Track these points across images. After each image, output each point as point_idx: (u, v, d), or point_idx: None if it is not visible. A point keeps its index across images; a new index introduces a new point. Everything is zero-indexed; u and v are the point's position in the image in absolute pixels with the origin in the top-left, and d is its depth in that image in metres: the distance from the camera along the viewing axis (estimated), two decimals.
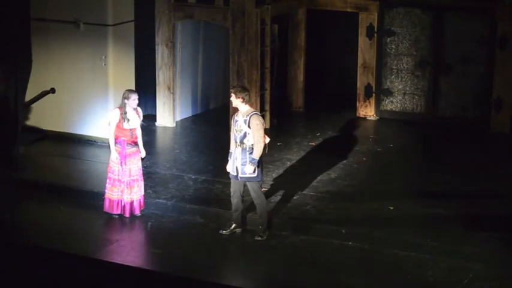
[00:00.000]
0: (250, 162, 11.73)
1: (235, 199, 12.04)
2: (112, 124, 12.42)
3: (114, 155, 12.43)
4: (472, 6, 16.14)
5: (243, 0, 15.50)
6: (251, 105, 12.54)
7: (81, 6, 15.07)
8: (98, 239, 12.12)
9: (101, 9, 15.00)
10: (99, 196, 12.88)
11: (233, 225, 12.10)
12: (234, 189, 12.01)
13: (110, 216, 12.57)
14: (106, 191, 12.56)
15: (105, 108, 15.15)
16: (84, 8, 15.06)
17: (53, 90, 15.40)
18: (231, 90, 11.95)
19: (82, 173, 14.20)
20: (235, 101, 11.83)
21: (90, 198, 13.12)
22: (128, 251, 11.78)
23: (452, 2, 16.34)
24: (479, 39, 16.22)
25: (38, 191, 13.44)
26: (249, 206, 12.29)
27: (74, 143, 15.33)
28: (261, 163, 11.84)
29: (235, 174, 11.90)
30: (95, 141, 15.32)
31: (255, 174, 11.81)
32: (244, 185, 11.97)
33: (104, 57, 15.13)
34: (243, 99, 11.79)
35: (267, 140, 11.90)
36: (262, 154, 11.81)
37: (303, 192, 13.32)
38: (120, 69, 15.31)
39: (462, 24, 16.32)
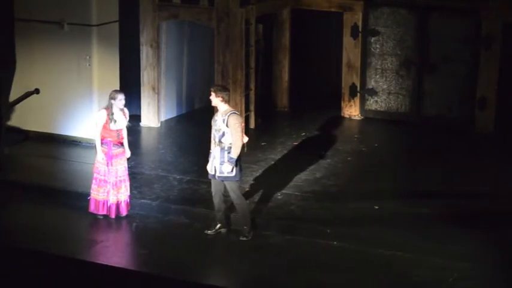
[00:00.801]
0: (228, 161, 11.76)
1: (216, 199, 12.06)
2: (99, 125, 12.42)
3: (100, 156, 12.42)
4: (457, 6, 16.20)
5: (227, 0, 15.52)
6: (232, 105, 12.51)
7: (65, 7, 15.03)
8: (82, 240, 12.10)
9: (85, 9, 14.98)
10: (84, 197, 12.87)
11: (218, 225, 12.12)
12: (215, 189, 12.04)
13: (94, 216, 12.56)
14: (91, 191, 12.55)
15: (89, 109, 15.13)
16: (68, 8, 15.03)
17: (37, 91, 15.37)
18: (211, 89, 11.98)
19: (67, 173, 14.18)
20: (215, 100, 11.88)
21: (75, 199, 13.11)
22: (113, 251, 11.78)
23: (437, 2, 16.39)
24: (463, 39, 16.28)
25: (23, 192, 13.40)
26: (232, 205, 12.29)
27: (58, 144, 15.31)
28: (239, 163, 11.87)
29: (213, 173, 11.93)
30: (79, 142, 15.30)
31: (233, 174, 11.84)
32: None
33: (88, 57, 15.11)
34: (223, 98, 11.83)
35: (246, 139, 11.93)
36: (240, 154, 11.84)
37: (288, 192, 13.34)
38: (104, 69, 15.29)
39: (447, 24, 16.38)
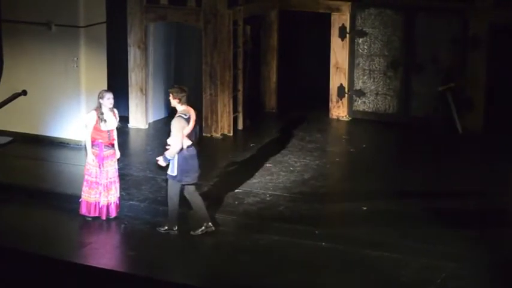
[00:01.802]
0: (163, 157, 11.95)
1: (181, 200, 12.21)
2: (89, 126, 12.39)
3: (90, 158, 12.40)
4: (444, 7, 16.25)
5: (215, 1, 15.52)
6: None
7: (53, 8, 15.01)
8: (71, 242, 12.09)
9: (72, 10, 14.96)
10: (73, 198, 12.85)
11: (203, 226, 12.11)
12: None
13: (83, 218, 12.53)
14: (83, 193, 12.52)
15: (77, 110, 15.12)
16: (55, 9, 15.00)
17: (24, 93, 15.34)
18: (169, 90, 12.13)
19: (55, 175, 14.15)
20: (173, 102, 12.03)
21: (64, 201, 13.08)
22: (102, 253, 11.76)
23: (423, 3, 16.44)
24: (450, 39, 16.33)
25: (11, 194, 13.37)
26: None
27: (46, 145, 15.27)
28: (185, 165, 11.91)
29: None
30: (67, 144, 15.28)
31: (174, 174, 11.95)
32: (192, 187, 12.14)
33: (76, 59, 15.09)
34: (180, 100, 11.94)
35: (187, 143, 11.90)
36: (185, 155, 11.88)
37: (276, 193, 13.35)
38: (92, 70, 15.27)
39: (433, 25, 16.41)
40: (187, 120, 11.93)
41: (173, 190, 12.10)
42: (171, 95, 12.04)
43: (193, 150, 12.01)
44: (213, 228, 12.14)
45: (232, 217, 12.59)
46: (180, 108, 12.00)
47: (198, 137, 12.28)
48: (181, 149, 11.93)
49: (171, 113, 17.03)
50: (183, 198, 12.15)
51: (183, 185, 12.08)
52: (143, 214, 12.75)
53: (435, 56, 16.43)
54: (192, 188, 12.16)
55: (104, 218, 12.46)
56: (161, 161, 12.07)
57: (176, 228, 12.13)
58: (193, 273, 11.29)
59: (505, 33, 15.66)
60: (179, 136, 11.87)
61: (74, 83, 15.15)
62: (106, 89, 13.39)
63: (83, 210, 12.52)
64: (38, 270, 11.12)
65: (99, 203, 12.45)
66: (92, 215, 12.47)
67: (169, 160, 11.98)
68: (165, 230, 12.15)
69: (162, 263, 11.46)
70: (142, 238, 12.15)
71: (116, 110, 12.55)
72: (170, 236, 12.10)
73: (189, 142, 11.96)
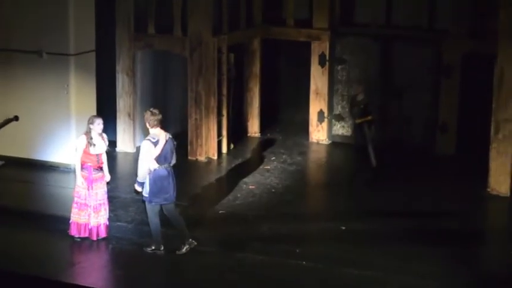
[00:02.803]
0: (136, 183, 11.99)
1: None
2: (79, 150, 12.33)
3: (79, 180, 12.33)
4: (419, 37, 16.34)
5: (200, 30, 15.54)
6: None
7: (44, 37, 14.99)
8: (61, 261, 11.99)
9: (63, 39, 14.94)
10: (63, 220, 12.75)
11: (186, 244, 12.04)
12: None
13: (72, 239, 12.44)
14: (72, 215, 12.42)
15: (67, 135, 15.06)
16: (47, 38, 14.98)
17: (16, 118, 15.27)
18: (144, 113, 12.13)
19: (46, 197, 14.07)
20: (146, 124, 12.01)
21: (54, 222, 12.98)
22: (90, 272, 11.67)
23: (400, 32, 16.52)
24: (425, 67, 16.41)
25: (2, 216, 13.25)
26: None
27: (37, 169, 15.19)
28: (150, 184, 11.85)
29: None
30: (57, 167, 15.20)
31: (146, 195, 11.92)
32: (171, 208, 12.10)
33: (66, 85, 15.05)
34: (149, 123, 11.91)
35: (154, 165, 11.80)
36: (154, 177, 11.81)
37: (259, 213, 13.31)
38: (82, 97, 15.24)
39: (409, 54, 16.51)
40: (155, 143, 11.82)
41: (150, 211, 12.02)
42: (144, 117, 12.02)
43: (163, 172, 11.86)
44: (195, 243, 12.05)
45: (217, 237, 12.53)
46: (151, 131, 11.92)
47: (172, 159, 12.02)
48: (150, 171, 11.84)
49: None
50: (164, 218, 12.06)
51: (161, 205, 11.99)
52: (130, 235, 12.68)
53: (410, 83, 16.49)
54: (170, 207, 12.05)
55: (94, 238, 12.37)
56: (136, 186, 12.01)
57: (162, 248, 12.05)
58: None
59: (475, 61, 15.74)
60: (143, 159, 11.81)
61: (64, 109, 15.10)
62: (95, 114, 13.33)
63: (73, 231, 12.42)
64: None
65: (88, 224, 12.37)
66: (82, 235, 12.39)
67: (141, 184, 11.90)
68: (152, 250, 12.07)
69: (149, 282, 11.38)
70: (130, 258, 12.07)
71: (104, 135, 12.50)
72: (157, 256, 12.02)
73: (156, 165, 11.82)
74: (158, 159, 11.82)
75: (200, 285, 11.37)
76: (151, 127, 11.90)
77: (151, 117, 11.88)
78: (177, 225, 12.12)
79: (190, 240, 12.04)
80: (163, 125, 12.14)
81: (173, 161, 12.02)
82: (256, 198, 14.01)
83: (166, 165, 11.88)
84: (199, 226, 12.85)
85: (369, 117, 14.97)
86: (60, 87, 15.05)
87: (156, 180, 11.85)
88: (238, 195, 14.14)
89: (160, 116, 11.89)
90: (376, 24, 16.68)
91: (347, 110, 16.98)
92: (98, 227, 12.40)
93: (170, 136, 12.01)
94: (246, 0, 16.91)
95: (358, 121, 14.85)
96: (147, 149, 11.81)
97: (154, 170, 11.83)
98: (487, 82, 14.41)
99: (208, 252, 12.11)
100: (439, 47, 16.03)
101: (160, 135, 11.87)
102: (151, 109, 12.10)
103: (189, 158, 15.73)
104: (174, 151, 12.03)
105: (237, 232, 12.66)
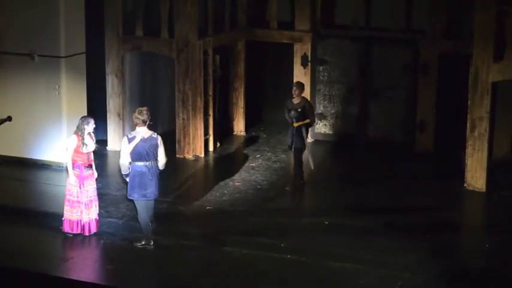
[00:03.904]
0: None
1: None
2: (70, 149, 12.31)
3: (72, 179, 12.30)
4: (397, 37, 16.39)
5: (186, 33, 15.53)
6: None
7: (36, 40, 14.95)
8: (53, 257, 11.96)
9: (54, 42, 14.91)
10: (55, 217, 12.73)
11: (144, 241, 12.08)
12: None
13: (64, 235, 12.42)
14: (65, 212, 12.40)
15: (59, 134, 15.03)
16: (38, 41, 14.94)
17: (9, 118, 15.23)
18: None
19: (38, 195, 14.04)
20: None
21: (46, 219, 12.95)
22: (82, 267, 11.66)
23: (379, 33, 16.57)
24: (403, 67, 16.47)
25: None
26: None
27: (29, 167, 15.15)
28: (130, 179, 11.93)
29: None
30: (49, 165, 15.16)
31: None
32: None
33: (57, 86, 15.02)
34: (134, 121, 12.01)
35: (128, 160, 11.88)
36: (133, 172, 11.90)
37: (245, 209, 13.33)
38: (72, 97, 15.21)
39: (388, 54, 16.56)
40: (130, 139, 11.86)
41: (139, 207, 12.02)
42: None
43: (141, 168, 11.82)
44: (152, 246, 12.00)
45: (204, 232, 12.55)
46: (136, 128, 11.97)
47: (158, 158, 11.96)
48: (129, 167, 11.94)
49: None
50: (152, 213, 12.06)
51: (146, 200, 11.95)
52: (121, 230, 12.67)
53: (390, 82, 16.55)
54: (150, 203, 11.97)
55: (87, 234, 12.35)
56: (125, 177, 12.17)
57: (152, 243, 12.05)
58: (169, 286, 11.21)
59: (452, 61, 15.80)
60: (121, 153, 11.98)
61: (56, 109, 15.07)
62: (87, 115, 13.23)
63: (66, 228, 12.40)
64: (22, 285, 11.01)
65: (81, 220, 12.35)
66: (75, 231, 12.36)
67: (126, 175, 12.01)
68: (142, 245, 12.07)
69: (139, 276, 11.37)
70: (121, 253, 12.05)
71: (92, 134, 12.49)
72: (147, 251, 12.01)
73: (129, 159, 11.85)
74: (132, 155, 11.83)
75: (186, 278, 11.38)
76: (135, 125, 11.97)
77: (135, 116, 11.94)
78: (140, 220, 12.05)
79: (150, 242, 12.01)
80: (152, 124, 12.13)
81: (160, 160, 11.95)
82: (242, 194, 14.03)
83: (146, 162, 11.81)
84: (187, 221, 12.87)
85: (307, 121, 14.36)
86: (51, 88, 15.02)
87: (134, 175, 11.86)
88: (225, 191, 14.15)
89: (144, 117, 11.85)
90: (356, 26, 16.72)
91: (328, 109, 17.03)
92: (89, 223, 12.39)
93: (155, 136, 11.94)
94: (231, 3, 16.92)
95: (295, 124, 14.34)
96: (122, 144, 11.99)
97: (131, 164, 11.85)
98: (464, 81, 14.46)
99: (196, 246, 12.12)
100: (416, 47, 16.08)
101: (140, 134, 11.85)
102: (139, 108, 12.11)
103: (177, 156, 15.73)
104: (160, 151, 11.94)
105: (224, 227, 12.68)
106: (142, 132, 11.88)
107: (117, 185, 14.36)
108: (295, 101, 14.30)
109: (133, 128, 16.33)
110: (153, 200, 12.02)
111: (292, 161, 14.70)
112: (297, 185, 14.29)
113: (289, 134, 14.35)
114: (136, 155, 11.83)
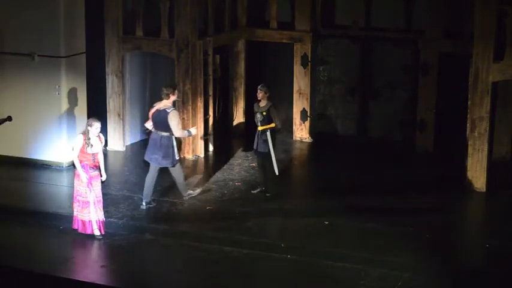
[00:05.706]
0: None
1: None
2: (76, 149, 12.29)
3: (84, 176, 12.24)
4: (397, 37, 16.39)
5: (187, 32, 15.53)
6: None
7: (36, 40, 14.95)
8: (53, 257, 11.95)
9: (54, 42, 14.90)
10: (55, 217, 12.74)
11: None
12: None
13: (65, 234, 12.41)
14: (77, 213, 12.31)
15: (59, 134, 15.03)
16: (38, 41, 14.94)
17: (9, 118, 15.19)
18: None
19: (38, 195, 14.03)
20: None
21: (46, 219, 12.96)
22: (82, 267, 11.66)
23: (378, 33, 16.57)
24: (403, 67, 16.46)
25: None
26: (187, 221, 12.20)
27: (29, 167, 15.14)
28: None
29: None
30: (49, 165, 15.16)
31: None
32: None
33: (57, 86, 15.01)
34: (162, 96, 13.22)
35: (147, 125, 13.35)
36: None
37: (245, 209, 13.32)
38: (73, 97, 15.20)
39: (388, 54, 16.55)
40: (152, 108, 13.30)
41: (151, 166, 13.33)
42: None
43: (154, 135, 13.18)
44: (154, 204, 13.20)
45: (204, 232, 12.54)
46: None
47: (171, 131, 13.08)
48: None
49: (146, 136, 17.01)
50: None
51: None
52: (121, 230, 12.67)
53: (390, 82, 16.55)
54: (154, 168, 13.26)
55: (103, 232, 12.27)
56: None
57: (153, 204, 13.25)
58: (170, 285, 11.21)
59: (452, 61, 15.80)
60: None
61: (56, 109, 15.07)
62: (95, 117, 13.08)
63: (80, 229, 12.25)
64: (22, 285, 11.00)
65: (91, 221, 12.29)
66: (88, 232, 12.28)
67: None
68: (146, 204, 13.14)
69: (139, 276, 11.37)
70: (121, 253, 12.05)
71: (101, 135, 12.47)
72: (147, 250, 12.01)
73: (149, 125, 13.32)
74: (150, 122, 13.25)
75: (185, 277, 11.37)
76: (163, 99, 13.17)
77: (162, 89, 13.21)
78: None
79: (150, 202, 13.17)
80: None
81: (175, 134, 13.06)
82: (242, 194, 14.02)
83: (157, 131, 13.09)
84: (187, 221, 12.87)
85: (272, 125, 13.76)
86: (51, 88, 15.01)
87: (150, 139, 13.29)
88: (225, 191, 14.14)
89: (167, 91, 13.11)
90: (356, 26, 16.71)
91: (328, 109, 17.01)
92: (99, 222, 12.32)
93: (169, 110, 13.00)
94: (231, 4, 16.92)
95: (259, 128, 13.72)
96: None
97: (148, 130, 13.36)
98: (464, 81, 14.45)
99: (196, 246, 12.11)
100: (416, 47, 16.08)
101: (158, 105, 13.14)
102: (172, 83, 13.87)
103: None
104: (172, 125, 12.97)
105: (224, 227, 12.67)
106: (161, 104, 13.12)
107: (117, 185, 14.35)
108: (261, 104, 13.85)
109: (133, 128, 16.53)
110: (157, 167, 13.13)
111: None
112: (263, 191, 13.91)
113: (255, 137, 13.92)
114: (153, 123, 13.18)
